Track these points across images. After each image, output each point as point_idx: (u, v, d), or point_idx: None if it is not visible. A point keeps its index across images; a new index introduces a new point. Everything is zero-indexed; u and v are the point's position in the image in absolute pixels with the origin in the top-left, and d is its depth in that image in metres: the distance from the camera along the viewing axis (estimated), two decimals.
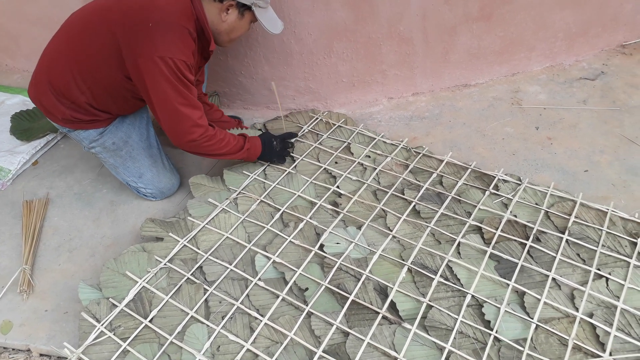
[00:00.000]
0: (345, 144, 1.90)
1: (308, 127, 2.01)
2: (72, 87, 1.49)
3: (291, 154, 1.85)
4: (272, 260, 1.46)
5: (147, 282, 1.42)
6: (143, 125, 1.71)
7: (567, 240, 1.45)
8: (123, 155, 1.68)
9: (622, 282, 1.33)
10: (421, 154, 1.82)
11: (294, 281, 1.41)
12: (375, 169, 1.77)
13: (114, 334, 1.31)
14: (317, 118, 2.06)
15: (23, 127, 2.13)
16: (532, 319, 1.27)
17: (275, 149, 1.78)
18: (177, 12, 1.41)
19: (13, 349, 1.42)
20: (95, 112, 1.56)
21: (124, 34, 1.38)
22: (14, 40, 2.57)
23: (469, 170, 1.72)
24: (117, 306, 1.37)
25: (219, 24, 1.52)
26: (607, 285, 1.34)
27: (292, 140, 1.89)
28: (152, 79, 1.39)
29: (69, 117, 1.55)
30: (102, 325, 1.32)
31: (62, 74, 1.49)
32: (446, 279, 1.38)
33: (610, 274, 1.36)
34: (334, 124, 2.01)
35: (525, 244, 1.45)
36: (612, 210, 1.53)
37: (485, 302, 1.31)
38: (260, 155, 1.75)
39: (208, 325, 1.32)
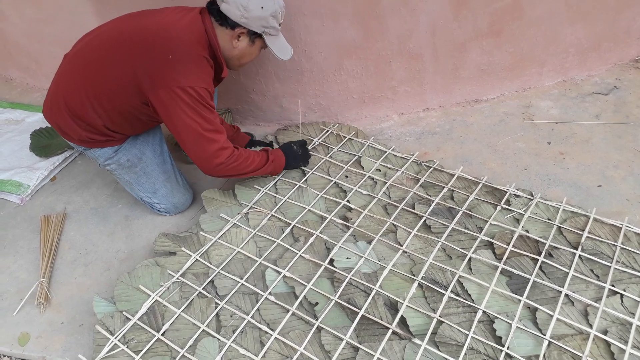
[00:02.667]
0: (356, 157, 1.92)
1: (319, 139, 2.03)
2: (89, 111, 1.53)
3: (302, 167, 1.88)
4: (282, 275, 1.47)
5: (159, 296, 1.44)
6: (157, 141, 1.75)
7: (580, 256, 1.44)
8: (137, 172, 1.72)
9: (638, 299, 1.31)
10: (432, 168, 1.82)
11: (304, 296, 1.41)
12: (386, 183, 1.77)
13: (127, 347, 1.33)
14: (327, 130, 2.08)
15: (42, 144, 2.19)
16: (545, 335, 1.25)
17: (297, 153, 1.82)
18: (194, 41, 1.46)
19: None
20: (110, 133, 1.60)
21: (144, 67, 1.42)
22: (34, 60, 2.66)
23: (480, 184, 1.72)
24: (130, 319, 1.39)
25: (230, 50, 1.55)
26: (622, 301, 1.32)
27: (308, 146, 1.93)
28: (175, 109, 1.43)
29: (85, 138, 1.59)
30: (116, 338, 1.34)
31: (79, 97, 1.52)
32: (457, 295, 1.37)
33: (625, 290, 1.34)
34: (345, 137, 2.03)
35: (537, 260, 1.44)
36: (627, 226, 1.51)
37: (497, 317, 1.30)
38: (286, 164, 1.79)
39: (219, 339, 1.33)
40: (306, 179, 1.83)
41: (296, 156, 1.82)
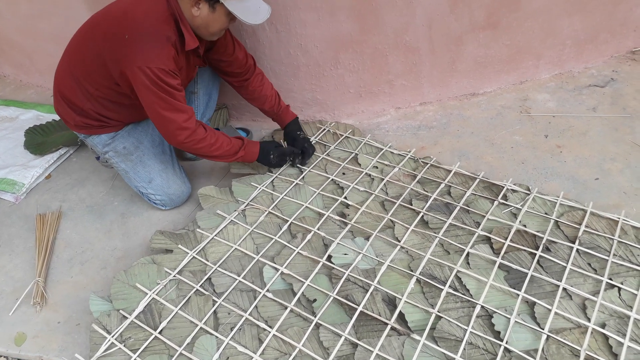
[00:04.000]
0: (353, 154, 1.91)
1: (315, 138, 2.02)
2: (79, 96, 1.61)
3: (298, 165, 1.86)
4: (280, 272, 1.47)
5: (156, 294, 1.44)
6: (156, 131, 1.76)
7: (577, 250, 1.44)
8: (134, 160, 1.73)
9: (635, 292, 1.31)
10: (429, 165, 1.82)
11: (302, 292, 1.41)
12: (383, 179, 1.77)
13: (124, 346, 1.32)
14: (324, 129, 2.07)
15: (36, 141, 2.18)
16: (543, 329, 1.25)
17: (271, 162, 1.79)
18: (153, 20, 1.44)
19: None
20: (102, 118, 1.66)
21: (106, 49, 1.47)
22: (29, 56, 2.63)
23: (477, 180, 1.72)
24: (127, 318, 1.38)
25: (192, 19, 1.48)
26: (620, 295, 1.32)
27: (295, 155, 1.86)
28: (137, 87, 1.47)
29: (80, 124, 1.66)
30: (112, 336, 1.34)
31: (68, 83, 1.61)
32: (455, 290, 1.37)
33: (622, 283, 1.34)
34: (342, 135, 2.02)
35: (535, 254, 1.44)
36: (624, 219, 1.51)
37: (495, 312, 1.30)
38: (257, 159, 1.78)
39: (217, 337, 1.33)
40: (303, 177, 1.82)
41: (269, 162, 1.79)
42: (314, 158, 1.90)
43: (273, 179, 1.82)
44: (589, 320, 1.27)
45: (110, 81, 1.53)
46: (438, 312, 1.31)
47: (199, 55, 1.62)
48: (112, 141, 1.69)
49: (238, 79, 1.81)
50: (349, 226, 1.59)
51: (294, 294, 1.41)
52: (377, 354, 1.24)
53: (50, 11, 2.33)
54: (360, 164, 1.86)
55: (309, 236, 1.57)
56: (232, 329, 1.34)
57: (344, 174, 1.83)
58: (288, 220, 1.64)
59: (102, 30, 1.49)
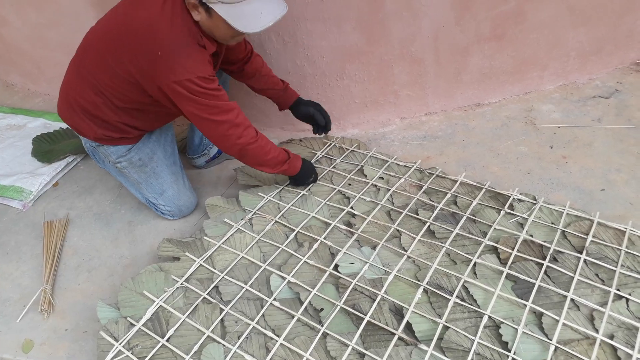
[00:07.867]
0: (359, 167, 1.92)
1: (322, 152, 2.03)
2: (103, 108, 1.54)
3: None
4: (287, 280, 1.47)
5: (164, 302, 1.44)
6: (168, 142, 1.76)
7: (585, 260, 1.44)
8: (147, 171, 1.73)
9: None
10: (435, 175, 1.82)
11: (309, 301, 1.41)
12: (389, 190, 1.78)
13: (131, 353, 1.32)
14: (330, 144, 2.08)
15: (44, 149, 2.19)
16: (551, 340, 1.25)
17: (308, 182, 1.82)
18: (179, 29, 1.39)
19: None
20: (127, 128, 1.61)
21: (138, 69, 1.41)
22: (36, 65, 2.66)
23: (484, 190, 1.72)
24: (134, 325, 1.38)
25: (200, 24, 1.43)
26: (628, 306, 1.32)
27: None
28: (179, 102, 1.44)
29: (101, 136, 1.60)
30: (120, 344, 1.34)
31: (90, 97, 1.53)
32: (462, 300, 1.37)
33: (630, 294, 1.34)
34: (347, 149, 2.03)
35: (542, 264, 1.44)
36: (631, 230, 1.51)
37: (503, 323, 1.30)
38: (297, 174, 1.77)
39: (224, 345, 1.32)
40: (310, 188, 1.83)
41: (306, 180, 1.81)
42: (320, 171, 1.91)
43: (280, 190, 1.83)
44: (597, 331, 1.26)
45: (144, 97, 1.49)
46: (445, 322, 1.31)
47: (219, 53, 1.59)
48: (128, 152, 1.67)
49: (239, 64, 1.78)
50: (355, 235, 1.60)
51: (301, 303, 1.41)
52: None
53: (59, 20, 2.35)
54: (366, 175, 1.87)
55: (315, 245, 1.57)
56: (239, 338, 1.34)
57: (349, 185, 1.84)
58: (295, 230, 1.64)
59: (129, 48, 1.41)
